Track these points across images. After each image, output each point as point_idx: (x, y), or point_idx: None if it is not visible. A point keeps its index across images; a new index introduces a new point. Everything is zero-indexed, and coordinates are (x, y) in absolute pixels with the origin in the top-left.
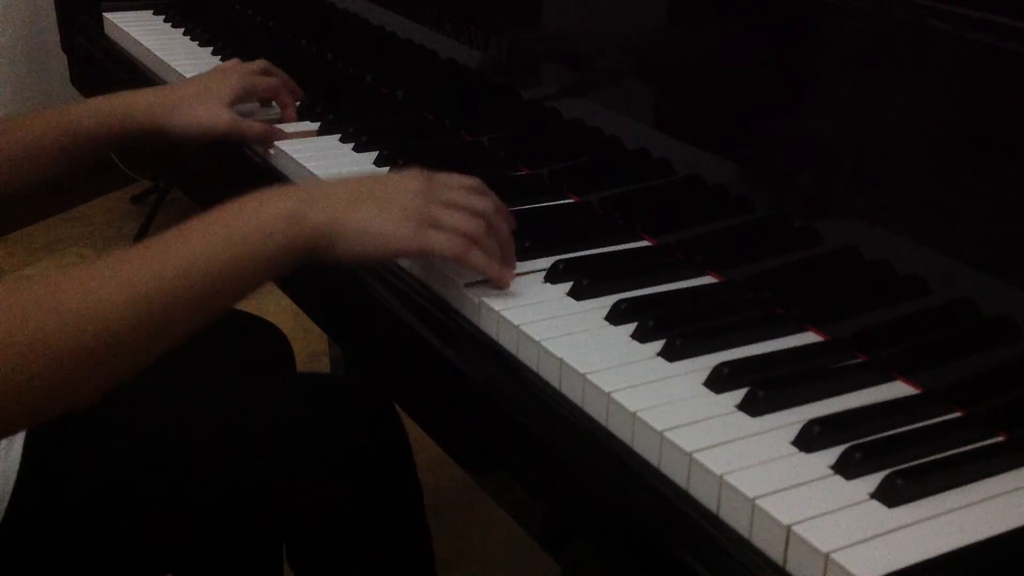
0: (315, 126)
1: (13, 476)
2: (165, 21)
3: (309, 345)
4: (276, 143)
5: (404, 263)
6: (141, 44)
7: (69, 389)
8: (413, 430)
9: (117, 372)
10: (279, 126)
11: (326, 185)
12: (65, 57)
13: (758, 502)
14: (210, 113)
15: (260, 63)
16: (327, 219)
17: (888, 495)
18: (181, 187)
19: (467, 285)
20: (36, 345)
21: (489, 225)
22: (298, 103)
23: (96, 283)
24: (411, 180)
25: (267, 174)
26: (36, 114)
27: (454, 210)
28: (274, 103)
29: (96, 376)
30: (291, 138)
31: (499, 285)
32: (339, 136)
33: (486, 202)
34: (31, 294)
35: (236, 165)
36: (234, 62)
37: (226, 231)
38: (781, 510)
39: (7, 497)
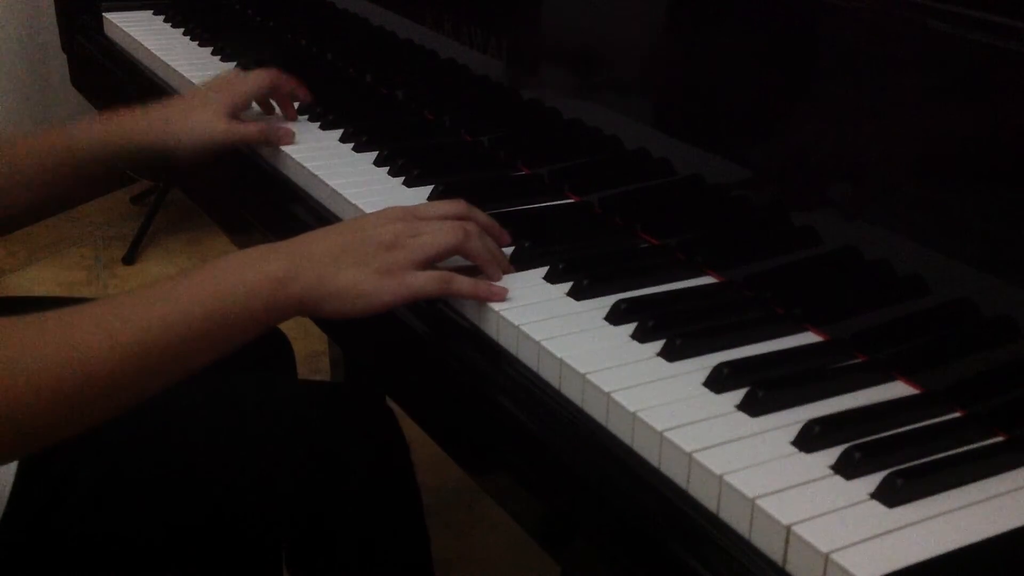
0: (315, 126)
1: (13, 476)
2: (165, 21)
3: (309, 345)
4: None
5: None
6: (141, 44)
7: (49, 426)
8: (413, 430)
9: (95, 415)
10: (278, 125)
11: (311, 242)
12: (65, 57)
13: (758, 502)
14: (207, 124)
15: (266, 74)
16: (312, 283)
17: (888, 495)
18: (181, 187)
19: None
20: (20, 383)
21: (476, 234)
22: (297, 104)
23: (80, 330)
24: (388, 225)
25: (268, 174)
26: (37, 134)
27: (430, 234)
28: (276, 110)
29: (75, 417)
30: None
31: (492, 300)
32: (339, 136)
33: (467, 224)
34: (18, 333)
35: (236, 165)
36: (235, 72)
37: (211, 290)
38: (781, 510)
39: (7, 496)
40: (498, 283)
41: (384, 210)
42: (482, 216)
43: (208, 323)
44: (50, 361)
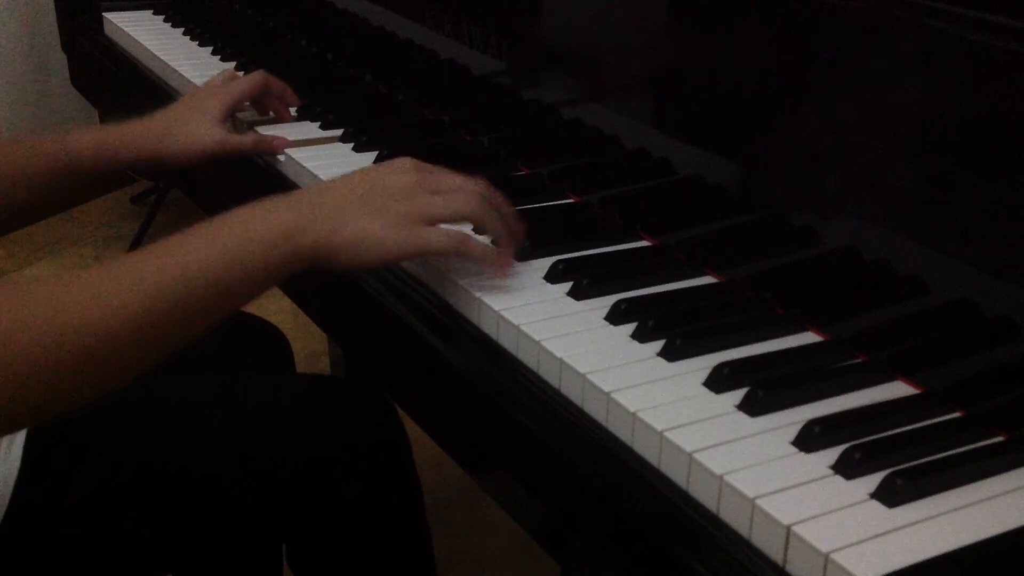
0: (315, 127)
1: (14, 476)
2: (165, 21)
3: (309, 345)
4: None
5: (405, 263)
6: (141, 44)
7: (64, 389)
8: (413, 430)
9: (116, 375)
10: (272, 134)
11: (323, 193)
12: (65, 57)
13: (758, 502)
14: (201, 134)
15: (258, 74)
16: (325, 232)
17: (888, 495)
18: (181, 187)
19: (455, 271)
20: (32, 346)
21: (488, 200)
22: (293, 108)
23: (97, 288)
24: (403, 175)
25: (268, 174)
26: (32, 141)
27: (448, 196)
28: (271, 112)
29: (94, 377)
30: (291, 146)
31: (503, 268)
32: (339, 135)
33: (479, 184)
34: (31, 296)
35: (236, 166)
36: (223, 74)
37: (225, 242)
38: (781, 510)
39: (7, 497)
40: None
41: (396, 161)
42: (500, 197)
43: (219, 280)
44: (59, 329)
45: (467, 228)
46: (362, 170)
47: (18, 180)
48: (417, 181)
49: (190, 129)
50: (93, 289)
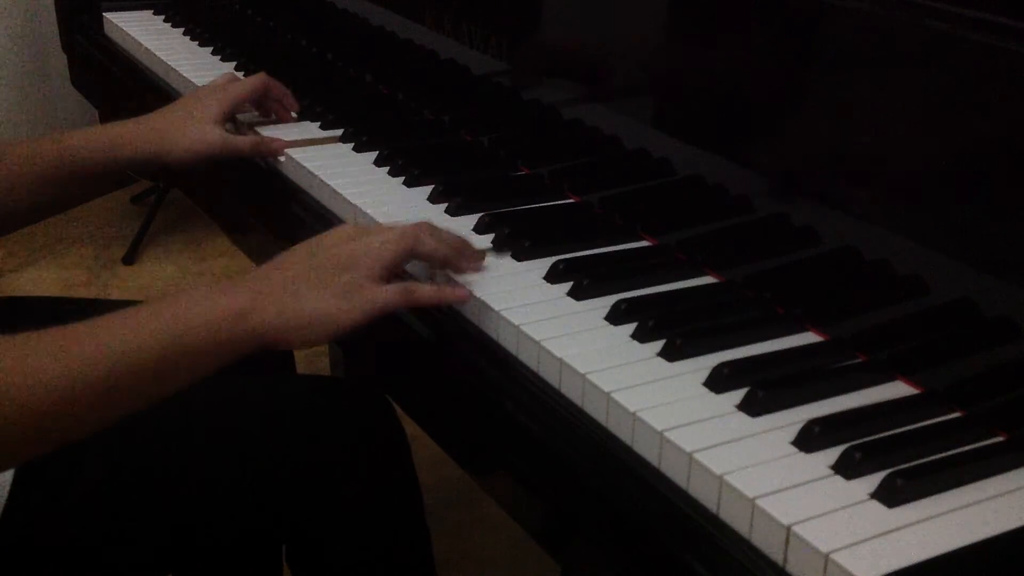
0: (315, 126)
1: (10, 477)
2: (165, 21)
3: None
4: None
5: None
6: (141, 44)
7: (24, 443)
8: (413, 430)
9: (69, 435)
10: (271, 136)
11: (270, 273)
12: (65, 57)
13: (758, 502)
14: (201, 135)
15: (259, 76)
16: (274, 317)
17: (888, 495)
18: (181, 187)
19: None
20: None
21: (419, 232)
22: (294, 113)
23: (40, 358)
24: (343, 245)
25: (267, 174)
26: (32, 141)
27: (378, 247)
28: (272, 115)
29: (46, 437)
30: (291, 147)
31: (457, 301)
32: (339, 136)
33: (416, 226)
34: None
35: (236, 166)
36: (225, 76)
37: (172, 322)
38: (781, 510)
39: (6, 497)
40: (475, 272)
41: (335, 230)
42: (437, 227)
43: (163, 358)
44: (12, 392)
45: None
46: (304, 244)
47: (18, 181)
48: (356, 248)
49: (190, 129)
50: (43, 356)
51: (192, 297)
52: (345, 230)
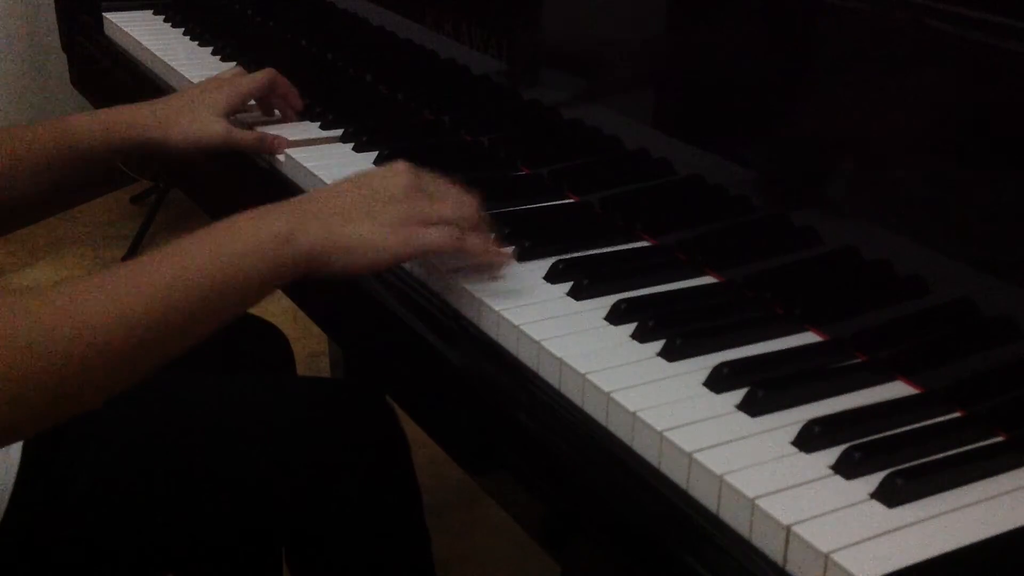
0: (315, 126)
1: (13, 476)
2: (165, 21)
3: (309, 345)
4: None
5: (406, 264)
6: (141, 44)
7: (65, 395)
8: (413, 430)
9: (112, 382)
10: (275, 133)
11: (317, 198)
12: (65, 57)
13: (758, 502)
14: (204, 125)
15: (266, 72)
16: (320, 238)
17: (888, 495)
18: (181, 187)
19: (451, 271)
20: (32, 352)
21: (474, 229)
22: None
23: (86, 297)
24: (397, 178)
25: (267, 174)
26: (33, 126)
27: (439, 202)
28: (276, 111)
29: (90, 385)
30: (291, 146)
31: (496, 267)
32: (339, 135)
33: (470, 195)
34: (27, 304)
35: (236, 165)
36: (233, 71)
37: (218, 249)
38: (781, 510)
39: (7, 497)
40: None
41: (390, 165)
42: (483, 222)
43: (212, 288)
44: (58, 334)
45: None
46: (357, 174)
47: (19, 166)
48: (411, 184)
49: (193, 119)
50: (90, 295)
51: (236, 224)
52: (399, 166)
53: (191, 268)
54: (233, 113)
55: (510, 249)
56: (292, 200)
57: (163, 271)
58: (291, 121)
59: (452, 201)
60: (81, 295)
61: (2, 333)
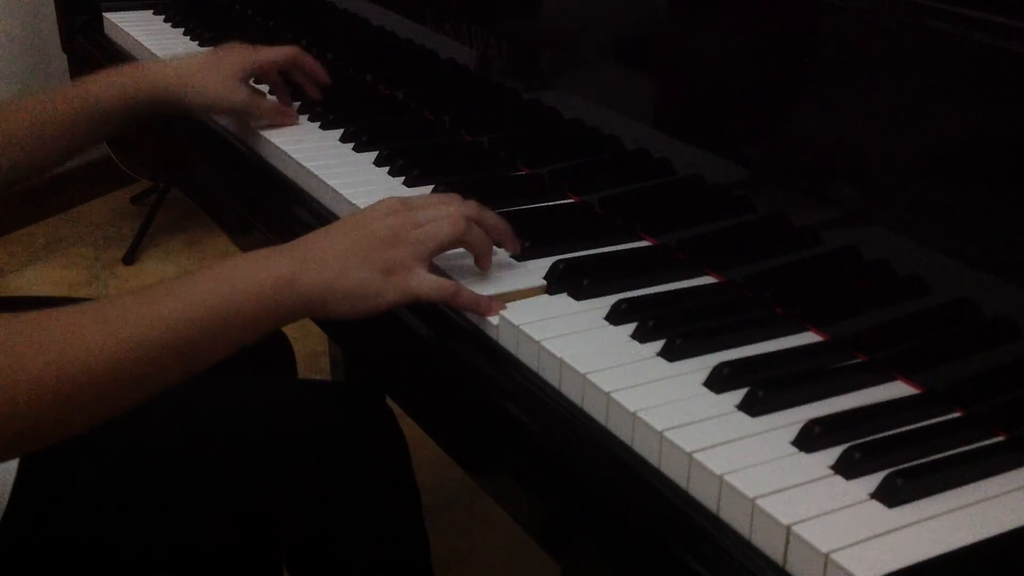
0: (315, 126)
1: (12, 476)
2: (165, 21)
3: (309, 345)
4: (275, 143)
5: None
6: (141, 44)
7: (51, 424)
8: (413, 430)
9: (97, 414)
10: (289, 109)
11: (316, 243)
12: (65, 57)
13: (758, 502)
14: (226, 87)
15: (292, 47)
16: (320, 285)
17: (888, 495)
18: (181, 187)
19: (455, 272)
20: (21, 379)
21: (475, 220)
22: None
23: (82, 328)
24: (388, 219)
25: (268, 174)
26: (53, 89)
27: (429, 227)
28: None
29: (77, 416)
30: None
31: (489, 315)
32: (339, 135)
33: (463, 206)
34: (22, 330)
35: (237, 165)
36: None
37: (215, 291)
38: (781, 510)
39: (6, 497)
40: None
41: (380, 203)
42: (486, 211)
43: (211, 324)
44: (53, 359)
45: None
46: (350, 217)
47: (44, 131)
48: (402, 223)
49: (214, 79)
50: (87, 328)
51: (238, 264)
52: (390, 203)
53: (189, 306)
54: (252, 78)
55: (500, 305)
56: (291, 244)
57: (162, 307)
58: (314, 96)
59: (443, 224)
60: (78, 324)
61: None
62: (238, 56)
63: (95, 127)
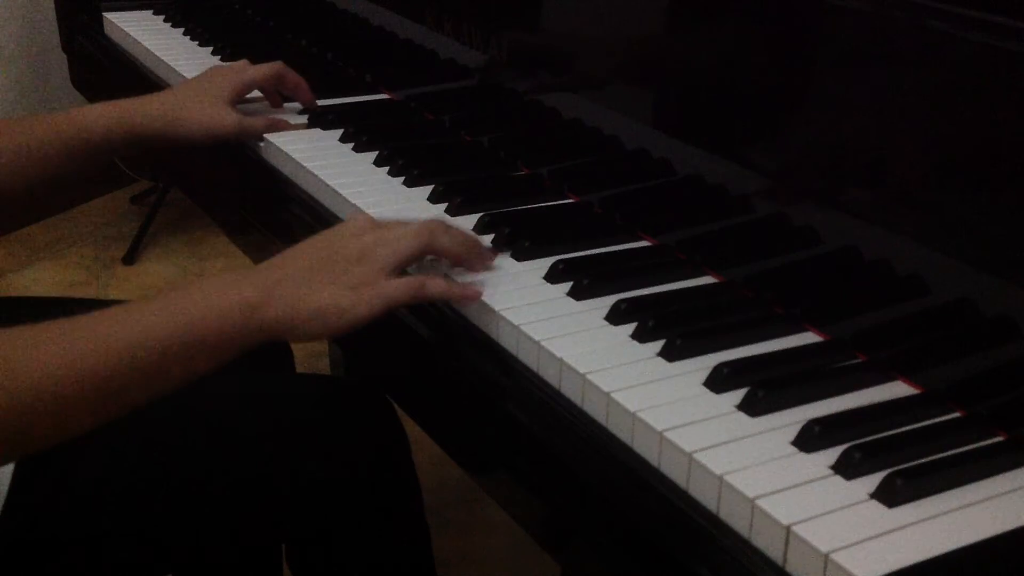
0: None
1: (9, 475)
2: (165, 21)
3: (309, 345)
4: (275, 143)
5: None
6: (141, 44)
7: (44, 433)
8: (413, 430)
9: (64, 431)
10: (282, 119)
11: (283, 265)
12: (65, 57)
13: (758, 502)
14: (214, 115)
15: (276, 64)
16: (287, 307)
17: (888, 495)
18: (181, 187)
19: (454, 272)
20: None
21: (441, 230)
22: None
23: (45, 348)
24: (358, 238)
25: (267, 174)
26: (40, 117)
27: (394, 242)
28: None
29: (68, 424)
30: (294, 129)
31: (468, 303)
32: (339, 135)
33: (431, 223)
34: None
35: (237, 165)
36: (240, 63)
37: (179, 313)
38: (781, 510)
39: (4, 494)
40: (484, 271)
41: (348, 222)
42: (453, 227)
43: (173, 350)
44: (16, 375)
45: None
46: (317, 236)
47: (29, 156)
48: (371, 241)
49: (204, 108)
50: (40, 349)
51: (201, 289)
52: (358, 223)
53: (151, 331)
54: (239, 101)
55: (476, 288)
56: (258, 267)
57: (122, 331)
58: (309, 100)
59: (407, 236)
60: (44, 344)
61: None
62: (223, 79)
63: (85, 160)
